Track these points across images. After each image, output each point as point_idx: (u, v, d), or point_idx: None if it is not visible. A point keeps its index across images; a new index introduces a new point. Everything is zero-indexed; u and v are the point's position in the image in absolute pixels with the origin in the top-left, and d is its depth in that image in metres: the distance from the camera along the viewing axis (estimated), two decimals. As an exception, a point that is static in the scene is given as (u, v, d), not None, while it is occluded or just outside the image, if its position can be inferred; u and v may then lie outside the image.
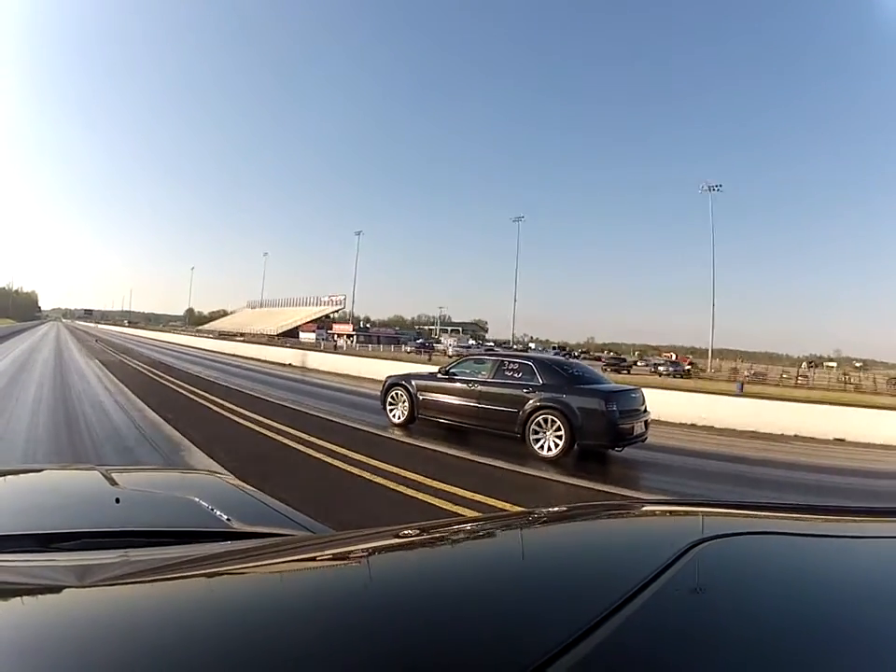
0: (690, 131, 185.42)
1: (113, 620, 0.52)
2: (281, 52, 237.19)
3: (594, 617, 0.43)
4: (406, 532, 0.82)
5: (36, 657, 0.44)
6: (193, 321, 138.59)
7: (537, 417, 6.29)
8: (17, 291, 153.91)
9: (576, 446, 6.16)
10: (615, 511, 1.03)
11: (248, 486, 1.47)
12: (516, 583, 0.58)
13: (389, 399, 7.88)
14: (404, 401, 7.69)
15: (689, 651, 0.43)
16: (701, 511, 0.95)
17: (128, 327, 79.27)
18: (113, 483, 1.32)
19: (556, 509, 0.96)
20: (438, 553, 0.76)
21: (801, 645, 0.44)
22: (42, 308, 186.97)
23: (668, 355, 74.25)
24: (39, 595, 0.63)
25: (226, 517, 1.07)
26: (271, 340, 57.71)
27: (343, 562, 0.73)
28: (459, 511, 3.96)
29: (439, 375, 7.49)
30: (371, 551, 0.76)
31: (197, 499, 1.19)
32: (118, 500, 1.17)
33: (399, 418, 7.69)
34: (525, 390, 6.51)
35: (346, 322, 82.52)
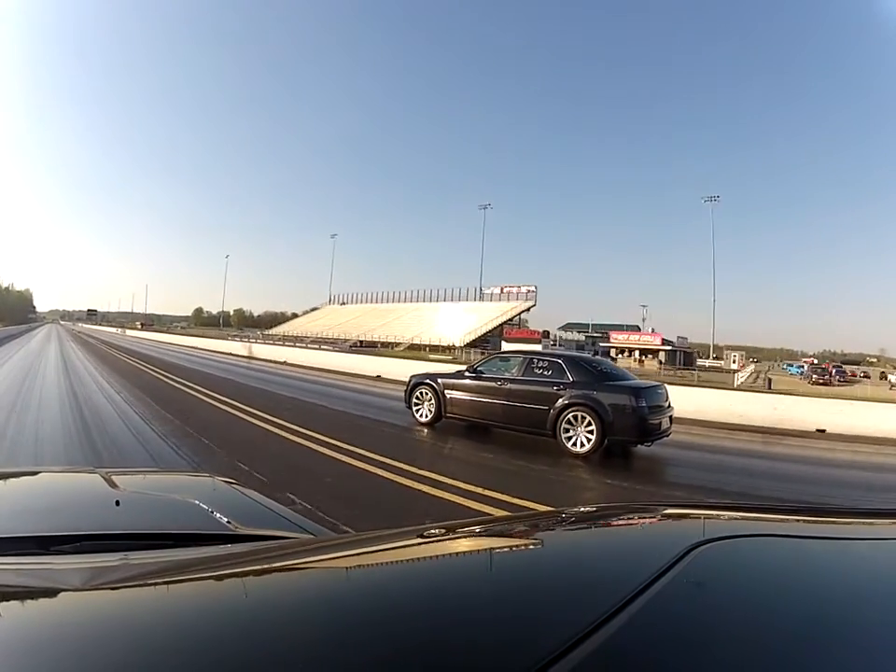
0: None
1: (113, 623, 0.51)
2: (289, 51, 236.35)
3: (595, 619, 0.43)
4: (408, 534, 0.82)
5: (36, 661, 0.44)
6: (201, 321, 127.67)
7: (568, 414, 6.36)
8: (7, 289, 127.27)
9: (605, 442, 6.24)
10: (616, 514, 1.03)
11: (248, 489, 1.47)
12: (517, 585, 0.58)
13: (415, 399, 7.87)
14: (430, 400, 7.68)
15: (689, 652, 0.43)
16: (702, 514, 0.95)
17: (142, 330, 64.92)
18: (113, 485, 1.32)
19: (554, 511, 0.96)
20: (440, 556, 0.76)
21: (801, 647, 0.44)
22: (38, 310, 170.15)
23: (809, 360, 66.03)
24: (39, 599, 0.63)
25: (226, 520, 1.07)
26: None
27: (345, 565, 0.72)
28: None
29: (466, 374, 7.48)
30: (372, 553, 0.75)
31: (197, 502, 1.19)
32: (118, 503, 1.16)
33: (426, 417, 7.69)
34: (555, 388, 6.55)
35: (643, 331, 58.24)
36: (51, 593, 0.63)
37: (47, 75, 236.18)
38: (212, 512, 1.11)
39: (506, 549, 0.80)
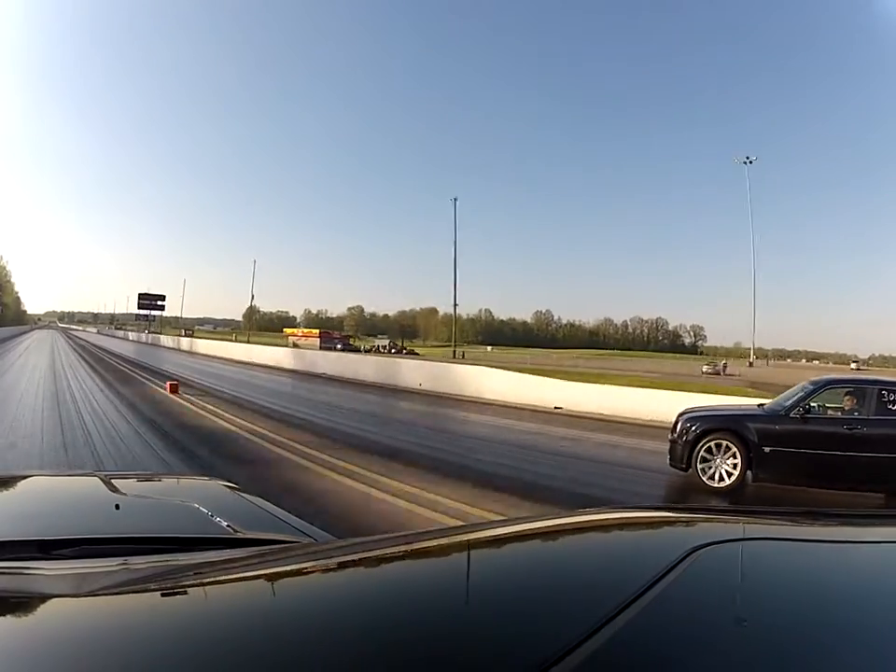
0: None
1: (114, 629, 0.51)
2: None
3: (595, 621, 0.43)
4: (409, 539, 0.82)
5: (35, 668, 0.43)
6: (258, 325, 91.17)
7: None
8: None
9: None
10: (614, 518, 1.03)
11: (248, 493, 1.47)
12: (519, 588, 0.58)
13: (703, 453, 5.36)
14: (733, 455, 5.28)
15: (687, 655, 0.44)
16: (698, 518, 0.96)
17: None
18: (113, 489, 1.31)
19: (555, 515, 0.96)
20: (442, 559, 0.76)
21: (798, 650, 0.45)
22: (29, 311, 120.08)
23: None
24: (39, 604, 0.63)
25: (226, 523, 1.07)
26: None
27: (346, 569, 0.72)
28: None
29: (791, 415, 5.23)
30: (373, 557, 0.75)
31: (197, 505, 1.19)
32: (118, 507, 1.16)
33: (723, 480, 5.30)
34: None
35: None
36: (51, 598, 0.63)
37: (45, 73, 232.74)
38: (212, 516, 1.10)
39: (507, 552, 0.80)
